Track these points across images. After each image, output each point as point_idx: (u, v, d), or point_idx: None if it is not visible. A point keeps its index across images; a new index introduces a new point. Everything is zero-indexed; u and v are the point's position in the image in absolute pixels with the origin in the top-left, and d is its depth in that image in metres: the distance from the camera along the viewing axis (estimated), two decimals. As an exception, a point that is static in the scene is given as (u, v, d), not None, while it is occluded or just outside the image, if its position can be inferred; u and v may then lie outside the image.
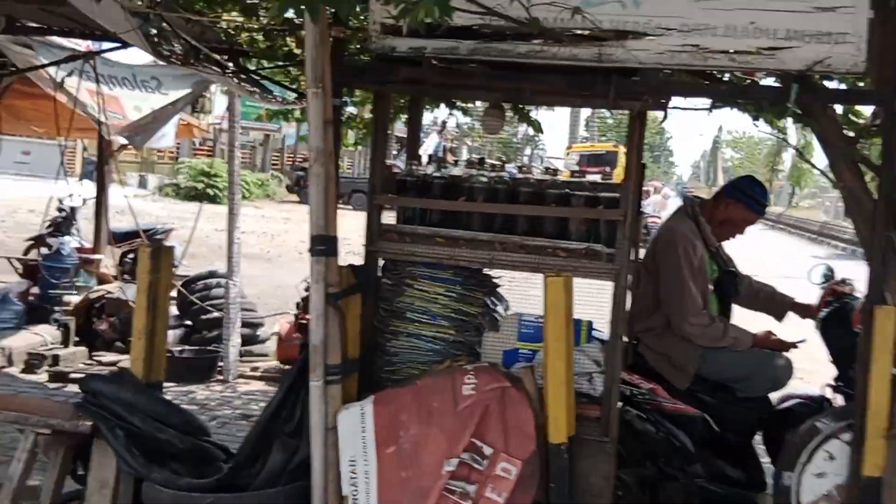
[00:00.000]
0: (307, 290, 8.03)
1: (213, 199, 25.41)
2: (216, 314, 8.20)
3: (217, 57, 6.07)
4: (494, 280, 3.99)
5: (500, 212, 3.76)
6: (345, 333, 3.57)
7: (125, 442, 3.64)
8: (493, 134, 4.10)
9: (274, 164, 38.42)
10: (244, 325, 8.13)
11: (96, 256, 9.65)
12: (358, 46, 5.24)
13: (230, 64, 6.53)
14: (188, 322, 8.45)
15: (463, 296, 3.82)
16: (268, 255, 17.50)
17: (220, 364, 7.79)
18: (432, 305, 3.81)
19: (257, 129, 32.24)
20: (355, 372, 3.70)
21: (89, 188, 11.71)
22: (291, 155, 39.47)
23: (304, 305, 7.96)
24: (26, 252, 11.19)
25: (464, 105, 7.42)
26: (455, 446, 3.34)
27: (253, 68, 7.08)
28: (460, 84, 3.75)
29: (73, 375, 7.33)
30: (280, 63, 6.84)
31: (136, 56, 8.15)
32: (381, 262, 3.96)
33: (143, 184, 26.74)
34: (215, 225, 16.59)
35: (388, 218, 3.99)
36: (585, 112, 42.87)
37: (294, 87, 7.36)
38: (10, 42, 7.51)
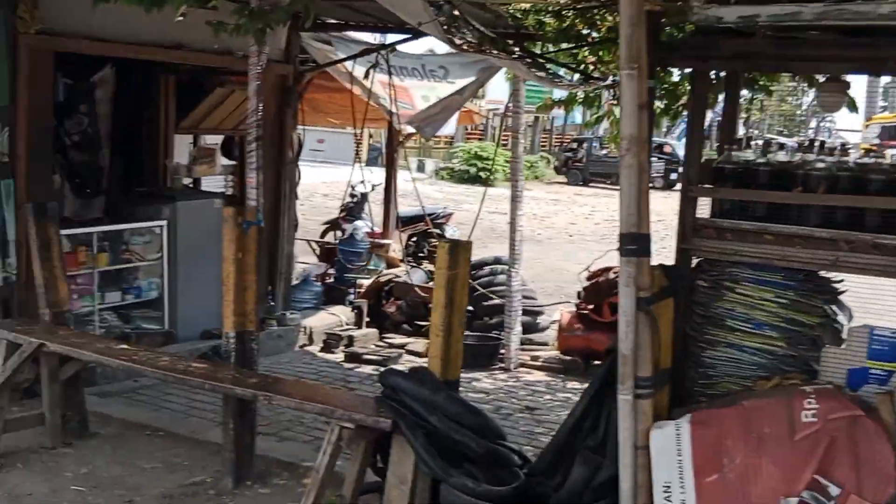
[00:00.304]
0: (589, 279, 7.82)
1: (486, 182, 25.93)
2: (497, 301, 8.17)
3: (505, 42, 5.94)
4: (835, 284, 3.39)
5: (845, 204, 3.17)
6: (657, 342, 3.20)
7: (424, 441, 3.57)
8: (832, 111, 3.49)
9: (542, 146, 38.52)
10: (524, 312, 8.02)
11: (385, 241, 10.06)
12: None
13: (516, 49, 6.37)
14: (469, 308, 8.50)
15: (796, 302, 3.29)
16: (538, 237, 17.44)
17: (502, 352, 7.75)
18: (758, 313, 3.32)
19: (528, 112, 32.38)
20: (667, 385, 3.32)
21: (375, 174, 12.31)
22: (560, 136, 39.33)
23: (586, 295, 7.68)
24: (322, 235, 12.00)
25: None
26: (793, 482, 2.85)
27: (538, 52, 6.88)
28: (802, 55, 3.20)
29: (365, 356, 7.67)
30: (568, 46, 6.56)
31: (424, 46, 8.29)
32: (695, 262, 3.52)
33: (420, 168, 27.98)
34: (487, 207, 16.79)
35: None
36: (885, 78, 38.09)
37: (580, 69, 7.04)
38: (311, 39, 7.95)
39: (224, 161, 9.59)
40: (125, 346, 4.47)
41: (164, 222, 7.15)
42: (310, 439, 5.28)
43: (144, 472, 4.54)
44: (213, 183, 10.02)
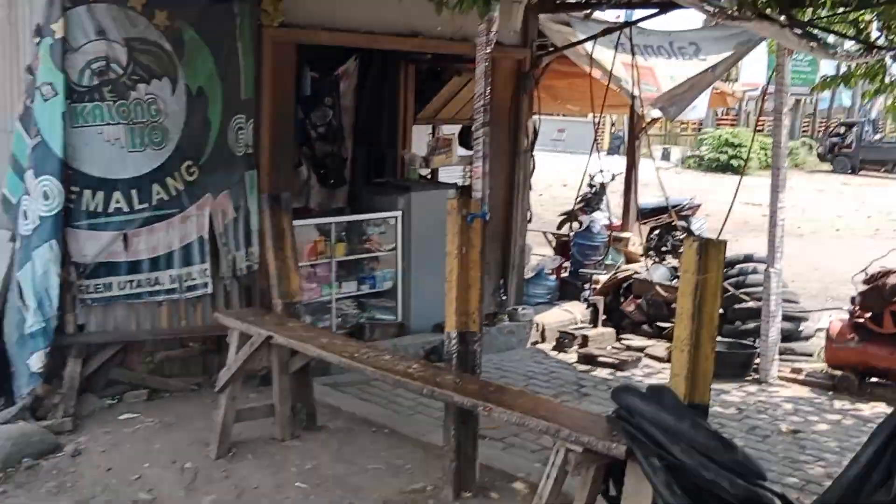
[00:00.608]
0: (866, 282, 6.72)
1: (737, 170, 24.21)
2: (751, 304, 7.31)
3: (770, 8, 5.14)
4: None
5: None
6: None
7: (665, 476, 3.04)
8: None
9: (804, 131, 35.31)
10: (784, 317, 7.09)
11: (625, 234, 9.45)
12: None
13: (782, 17, 5.52)
14: (719, 311, 7.70)
15: None
16: (799, 230, 15.80)
17: (756, 361, 6.90)
18: None
19: (793, 94, 29.68)
20: None
21: (615, 163, 11.68)
22: (824, 120, 35.84)
23: (862, 301, 6.61)
24: (559, 227, 11.61)
25: None
26: None
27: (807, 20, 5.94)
28: None
29: (600, 358, 7.16)
30: (845, 10, 5.59)
31: (673, 22, 7.58)
32: None
33: (665, 156, 26.64)
34: (740, 197, 15.51)
35: None
36: None
37: (861, 37, 6.00)
38: (550, 21, 7.54)
39: (461, 151, 9.50)
40: (349, 343, 4.35)
41: (398, 213, 7.11)
42: (537, 448, 4.92)
43: (366, 472, 4.40)
44: (451, 174, 9.98)
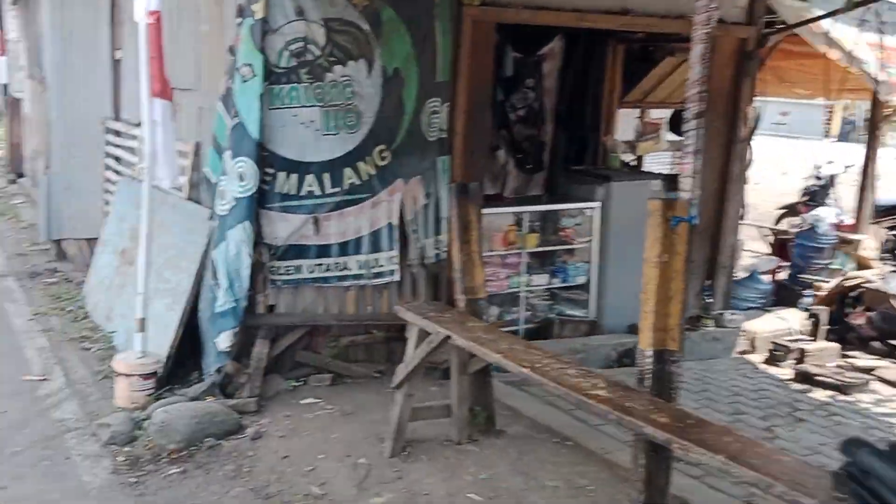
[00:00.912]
0: None
1: None
2: None
3: None
4: None
5: None
6: None
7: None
8: None
9: None
10: None
11: (856, 236, 8.37)
12: None
13: None
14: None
15: None
16: None
17: None
18: None
19: None
20: None
21: (846, 151, 10.44)
22: None
23: None
24: (777, 221, 10.58)
25: None
26: None
27: None
28: None
29: (820, 378, 6.35)
30: None
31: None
32: None
33: (906, 144, 23.83)
34: None
35: None
36: None
37: None
38: (782, -6, 6.73)
39: (671, 137, 8.83)
40: (531, 350, 4.00)
41: (596, 204, 6.66)
42: (737, 481, 4.33)
43: (544, 489, 4.07)
44: (658, 161, 9.32)
